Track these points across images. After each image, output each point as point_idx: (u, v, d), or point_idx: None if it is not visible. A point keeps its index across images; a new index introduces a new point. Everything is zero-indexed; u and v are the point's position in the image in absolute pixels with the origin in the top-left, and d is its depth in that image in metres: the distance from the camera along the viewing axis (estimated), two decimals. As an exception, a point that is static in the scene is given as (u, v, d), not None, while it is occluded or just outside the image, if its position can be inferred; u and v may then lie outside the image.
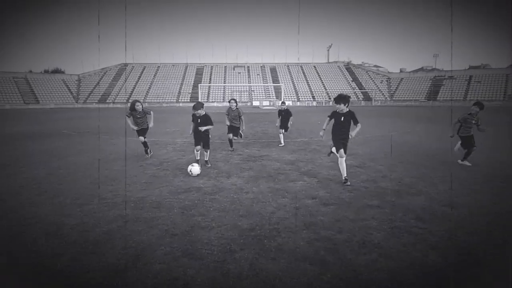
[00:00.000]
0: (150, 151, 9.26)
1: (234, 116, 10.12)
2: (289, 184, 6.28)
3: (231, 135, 10.15)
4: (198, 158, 7.82)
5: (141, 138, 8.98)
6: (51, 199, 5.42)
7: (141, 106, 8.89)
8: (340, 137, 6.29)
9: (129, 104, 8.95)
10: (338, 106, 6.19)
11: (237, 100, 9.70)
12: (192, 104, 9.20)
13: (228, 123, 10.21)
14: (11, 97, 64.52)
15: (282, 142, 11.24)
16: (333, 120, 6.41)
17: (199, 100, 50.36)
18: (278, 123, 11.38)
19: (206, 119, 7.62)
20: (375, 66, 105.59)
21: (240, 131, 10.55)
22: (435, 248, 3.59)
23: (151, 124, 9.03)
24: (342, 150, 6.20)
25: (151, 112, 9.01)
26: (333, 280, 2.99)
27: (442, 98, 66.82)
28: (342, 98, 6.19)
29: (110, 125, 20.43)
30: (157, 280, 3.01)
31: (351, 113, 6.23)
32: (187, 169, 7.01)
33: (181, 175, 6.98)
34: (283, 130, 11.27)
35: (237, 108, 10.14)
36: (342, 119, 6.21)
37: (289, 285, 2.93)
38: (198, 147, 7.74)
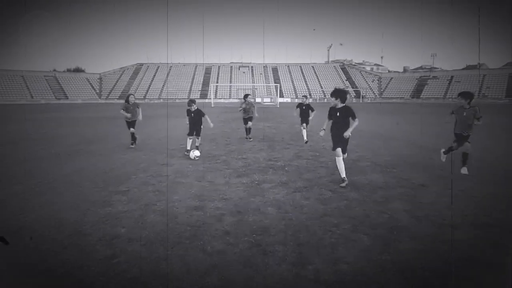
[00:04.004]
0: (136, 143, 10.37)
1: (248, 108, 12.11)
2: (262, 130, 15.09)
3: (246, 125, 12.48)
4: (189, 148, 9.07)
5: (132, 130, 10.18)
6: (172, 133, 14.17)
7: (133, 99, 10.22)
8: (336, 134, 6.07)
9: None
10: (331, 100, 6.07)
11: (251, 95, 13.23)
12: (197, 101, 10.55)
13: (242, 113, 12.33)
14: (44, 93, 74.05)
15: (305, 137, 11.37)
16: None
17: (209, 96, 57.75)
18: (295, 114, 11.90)
19: (199, 112, 9.08)
20: (376, 64, 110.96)
21: (254, 115, 12.38)
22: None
23: (140, 117, 10.37)
24: (339, 149, 5.99)
25: (140, 107, 10.38)
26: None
27: (425, 96, 74.88)
28: (334, 92, 6.08)
29: (157, 112, 29.42)
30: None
31: (347, 108, 6.00)
32: (190, 156, 8.61)
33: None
34: (305, 124, 11.37)
35: (250, 102, 12.37)
36: (337, 114, 6.03)
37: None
38: (192, 136, 9.21)
